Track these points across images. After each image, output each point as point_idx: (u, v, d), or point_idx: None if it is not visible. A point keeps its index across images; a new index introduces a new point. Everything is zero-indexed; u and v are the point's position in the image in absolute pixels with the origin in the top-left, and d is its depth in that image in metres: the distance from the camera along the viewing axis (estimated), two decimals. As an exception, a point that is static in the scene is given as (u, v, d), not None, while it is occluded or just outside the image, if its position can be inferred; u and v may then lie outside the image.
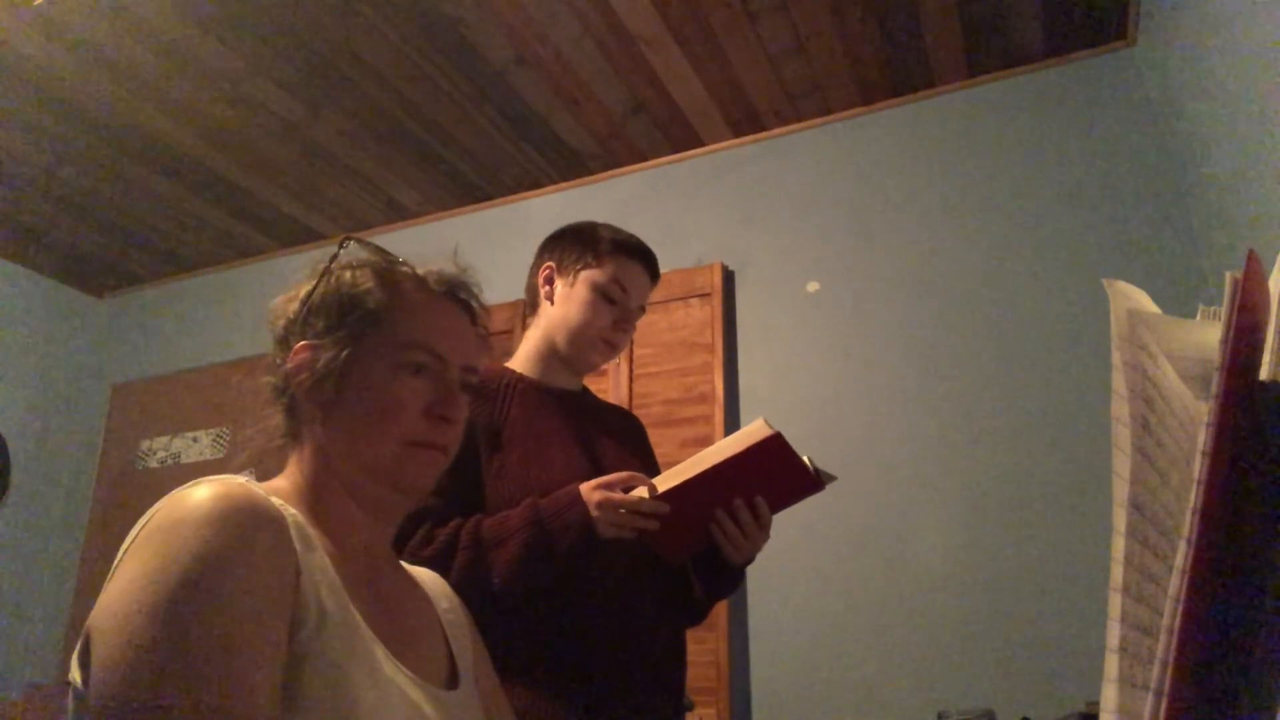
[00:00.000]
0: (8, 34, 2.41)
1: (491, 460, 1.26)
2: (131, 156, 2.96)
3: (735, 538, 1.26)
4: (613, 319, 1.41)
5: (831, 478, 1.28)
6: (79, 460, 3.68)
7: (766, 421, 1.18)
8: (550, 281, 1.45)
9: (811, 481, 1.25)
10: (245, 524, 0.67)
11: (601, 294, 1.40)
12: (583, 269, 1.41)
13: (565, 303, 1.41)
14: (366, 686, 0.71)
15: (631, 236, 1.47)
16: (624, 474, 1.21)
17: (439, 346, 0.85)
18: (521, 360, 1.43)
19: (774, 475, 1.24)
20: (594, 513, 1.16)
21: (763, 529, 1.27)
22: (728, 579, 1.36)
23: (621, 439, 1.46)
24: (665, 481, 1.19)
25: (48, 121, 2.77)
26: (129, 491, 3.48)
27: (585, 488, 1.19)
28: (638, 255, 1.45)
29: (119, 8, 2.32)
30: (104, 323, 3.94)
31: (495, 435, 1.28)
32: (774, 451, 1.19)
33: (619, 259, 1.42)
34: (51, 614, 3.46)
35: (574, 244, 1.45)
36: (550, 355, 1.42)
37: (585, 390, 1.50)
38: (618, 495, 1.17)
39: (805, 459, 1.24)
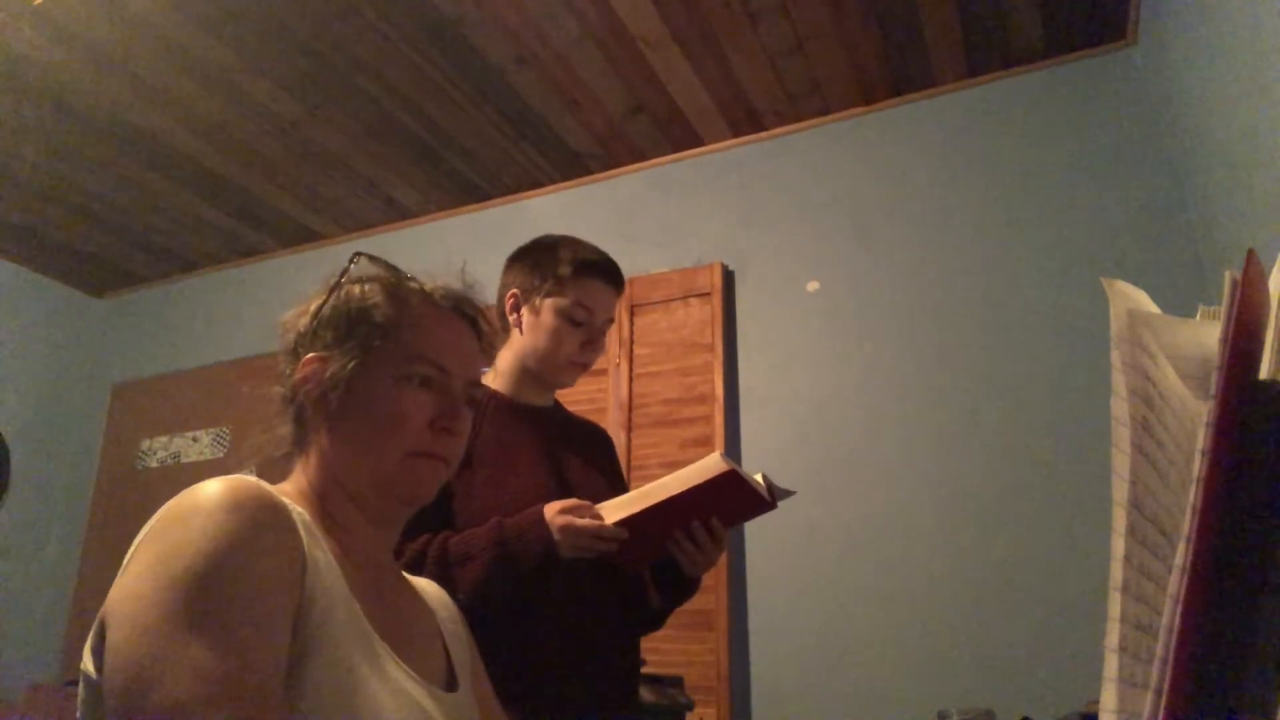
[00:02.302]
0: (8, 34, 2.41)
1: (461, 476, 1.29)
2: (131, 156, 2.96)
3: (692, 554, 1.31)
4: (580, 341, 1.43)
5: (788, 494, 1.34)
6: (79, 460, 3.69)
7: (723, 456, 1.23)
8: (516, 309, 1.47)
9: (764, 504, 1.31)
10: (255, 513, 0.69)
11: (567, 319, 1.42)
12: (546, 296, 1.43)
13: (533, 331, 1.44)
14: (372, 679, 0.72)
15: (590, 252, 1.47)
16: (586, 503, 1.25)
17: (444, 360, 0.87)
18: (496, 378, 1.47)
19: (728, 500, 1.29)
20: (555, 535, 1.20)
21: (718, 545, 1.32)
22: (684, 589, 1.40)
23: (589, 455, 1.49)
24: (625, 508, 1.24)
25: (48, 121, 2.77)
26: (129, 491, 3.48)
27: (549, 511, 1.22)
28: (599, 272, 1.45)
29: (119, 7, 2.32)
30: (104, 323, 3.94)
31: (465, 452, 1.31)
32: (728, 484, 1.24)
33: (580, 281, 1.43)
34: (51, 614, 3.46)
35: (534, 269, 1.46)
36: (523, 375, 1.46)
37: (557, 405, 1.53)
38: (579, 520, 1.21)
39: (760, 477, 1.30)
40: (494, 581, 1.19)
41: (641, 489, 1.26)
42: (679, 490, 1.23)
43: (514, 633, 1.23)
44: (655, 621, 1.45)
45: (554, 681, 1.24)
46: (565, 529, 1.20)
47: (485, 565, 1.19)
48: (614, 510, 1.24)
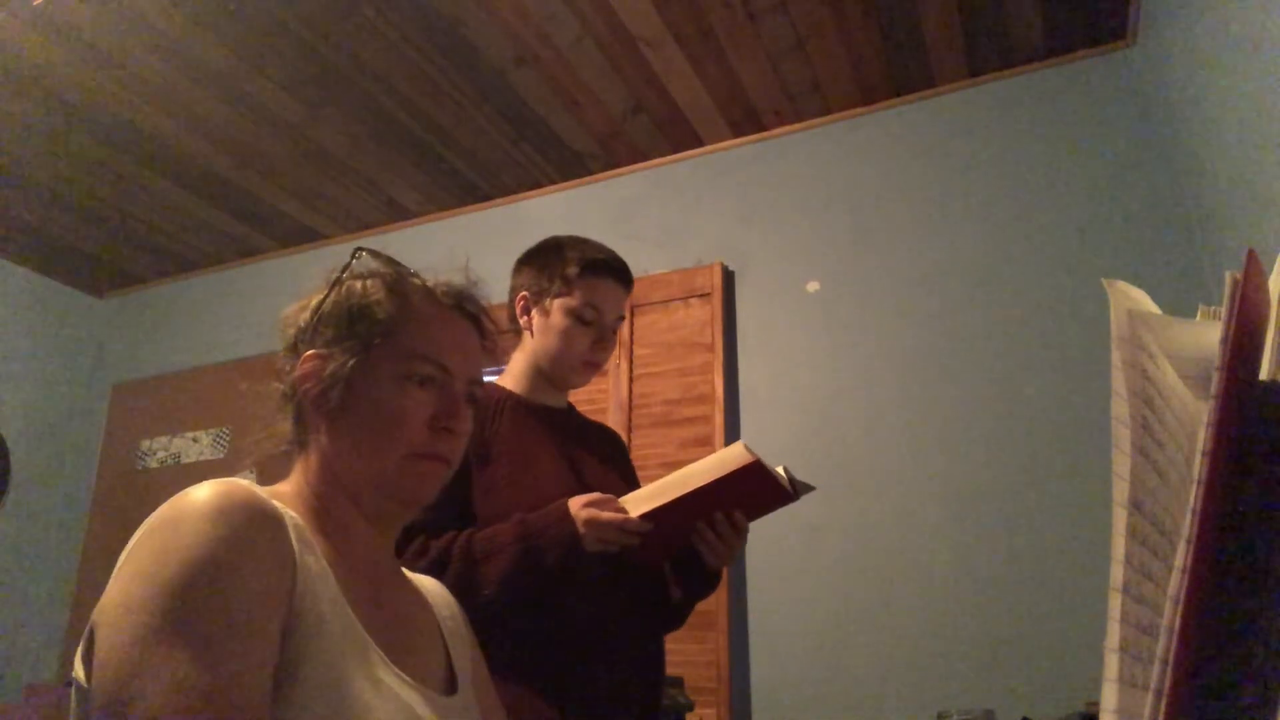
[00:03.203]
0: (8, 34, 2.41)
1: (481, 474, 1.30)
2: (131, 156, 2.96)
3: (714, 545, 1.31)
4: (591, 340, 1.44)
5: (809, 488, 1.33)
6: (79, 460, 3.69)
7: (747, 447, 1.23)
8: (527, 312, 1.48)
9: (786, 495, 1.31)
10: (244, 520, 0.68)
11: (576, 319, 1.42)
12: (554, 297, 1.44)
13: (543, 333, 1.44)
14: (364, 689, 0.71)
15: (599, 251, 1.48)
16: (609, 497, 1.25)
17: (445, 359, 0.86)
18: (510, 379, 1.48)
19: (751, 492, 1.29)
20: (581, 529, 1.20)
21: (740, 537, 1.32)
22: (707, 581, 1.41)
23: (604, 456, 1.50)
24: (649, 501, 1.24)
25: (48, 121, 2.77)
26: (129, 491, 3.48)
27: (573, 505, 1.23)
28: (607, 271, 1.46)
29: (119, 7, 2.32)
30: (104, 323, 3.94)
31: (484, 450, 1.33)
32: (752, 474, 1.23)
33: (588, 281, 1.43)
34: (51, 614, 3.46)
35: (542, 271, 1.47)
36: (536, 376, 1.47)
37: (571, 408, 1.54)
38: (604, 514, 1.21)
39: (781, 470, 1.30)
40: (519, 576, 1.19)
41: (663, 480, 1.25)
42: (704, 482, 1.22)
43: (538, 629, 1.23)
44: (677, 618, 1.45)
45: (578, 677, 1.24)
46: (590, 522, 1.20)
47: (510, 560, 1.19)
48: (638, 503, 1.24)
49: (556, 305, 1.43)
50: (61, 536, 3.58)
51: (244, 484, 0.72)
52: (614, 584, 1.32)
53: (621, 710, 1.28)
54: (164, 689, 0.59)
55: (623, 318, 1.49)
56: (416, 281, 0.89)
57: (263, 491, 0.74)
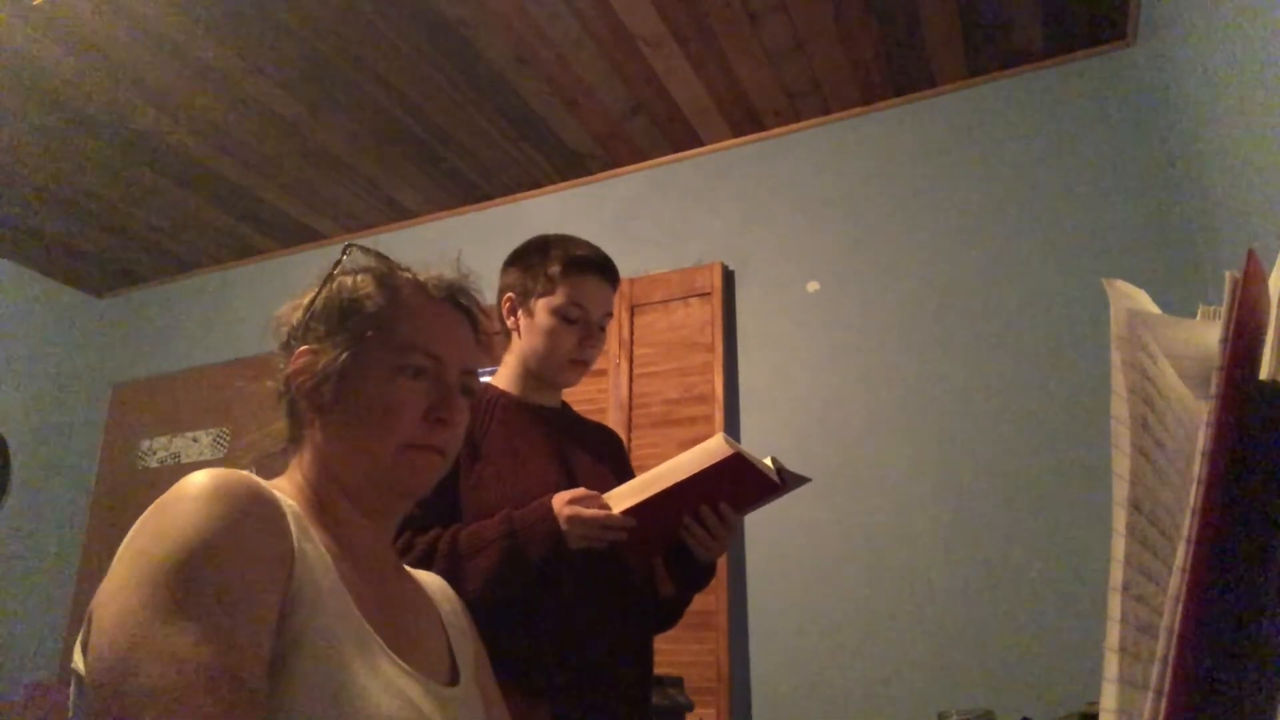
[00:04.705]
0: (8, 34, 2.41)
1: (470, 471, 1.30)
2: (131, 156, 2.96)
3: (702, 539, 1.31)
4: (578, 338, 1.43)
5: (802, 480, 1.32)
6: (79, 460, 3.69)
7: (726, 439, 1.22)
8: (514, 312, 1.48)
9: (774, 486, 1.30)
10: (240, 501, 0.69)
11: (561, 318, 1.42)
12: (539, 297, 1.44)
13: (530, 333, 1.44)
14: (362, 675, 0.71)
15: (581, 248, 1.47)
16: (593, 493, 1.25)
17: (437, 350, 0.86)
18: (503, 379, 1.48)
19: (737, 485, 1.28)
20: (563, 526, 1.20)
21: (729, 530, 1.32)
22: (699, 575, 1.40)
23: (597, 453, 1.49)
24: (632, 496, 1.24)
25: (48, 121, 2.77)
26: (129, 491, 3.48)
27: (557, 501, 1.23)
28: (590, 269, 1.45)
29: (119, 7, 2.32)
30: (104, 323, 3.94)
31: (474, 447, 1.33)
32: (734, 467, 1.23)
33: (571, 279, 1.43)
34: (51, 614, 3.46)
35: (527, 271, 1.47)
36: (527, 376, 1.47)
37: (565, 406, 1.54)
38: (586, 511, 1.21)
39: (769, 461, 1.29)
40: (504, 573, 1.19)
41: (647, 475, 1.25)
42: (684, 476, 1.22)
43: (524, 628, 1.23)
44: (672, 615, 1.45)
45: (564, 678, 1.24)
46: (573, 519, 1.20)
47: (495, 557, 1.19)
48: (621, 499, 1.24)
49: (541, 305, 1.43)
50: (61, 536, 3.58)
51: (242, 471, 0.72)
52: (603, 582, 1.32)
53: (610, 710, 1.28)
54: (162, 663, 0.59)
55: (610, 315, 1.49)
56: (407, 275, 0.90)
57: (261, 481, 0.75)
